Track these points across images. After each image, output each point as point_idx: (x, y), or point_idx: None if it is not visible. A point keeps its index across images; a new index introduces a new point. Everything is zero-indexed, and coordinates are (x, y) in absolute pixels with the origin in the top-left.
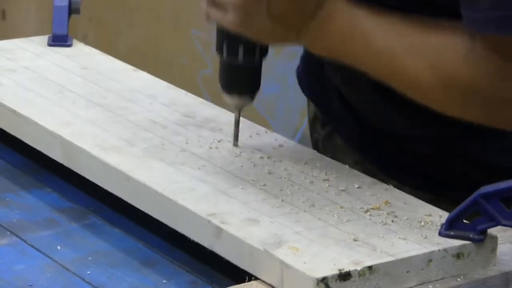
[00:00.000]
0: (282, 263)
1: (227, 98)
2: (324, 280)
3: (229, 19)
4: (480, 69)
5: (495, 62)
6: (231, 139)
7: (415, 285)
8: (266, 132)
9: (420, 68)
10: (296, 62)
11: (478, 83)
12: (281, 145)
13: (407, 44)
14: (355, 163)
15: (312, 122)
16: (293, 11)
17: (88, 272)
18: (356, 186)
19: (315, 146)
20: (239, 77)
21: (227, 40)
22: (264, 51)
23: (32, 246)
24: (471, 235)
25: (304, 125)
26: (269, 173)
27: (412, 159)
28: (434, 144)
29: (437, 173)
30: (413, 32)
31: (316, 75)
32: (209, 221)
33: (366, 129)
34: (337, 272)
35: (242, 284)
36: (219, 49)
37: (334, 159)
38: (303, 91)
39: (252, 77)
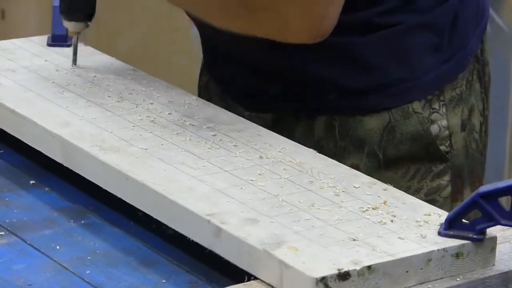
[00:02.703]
0: (281, 263)
1: (66, 24)
2: (323, 279)
3: None
4: None
5: None
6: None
7: (414, 285)
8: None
9: None
10: None
11: None
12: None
13: None
14: (221, 103)
15: (201, 71)
16: None
17: (87, 272)
18: (355, 186)
19: (199, 94)
20: (75, 5)
21: None
22: None
23: (31, 245)
24: (470, 235)
25: None
26: (269, 172)
27: (253, 79)
28: (274, 65)
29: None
30: None
31: None
32: (208, 221)
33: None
34: (336, 271)
35: (242, 284)
36: None
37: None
38: None
39: (86, 5)
